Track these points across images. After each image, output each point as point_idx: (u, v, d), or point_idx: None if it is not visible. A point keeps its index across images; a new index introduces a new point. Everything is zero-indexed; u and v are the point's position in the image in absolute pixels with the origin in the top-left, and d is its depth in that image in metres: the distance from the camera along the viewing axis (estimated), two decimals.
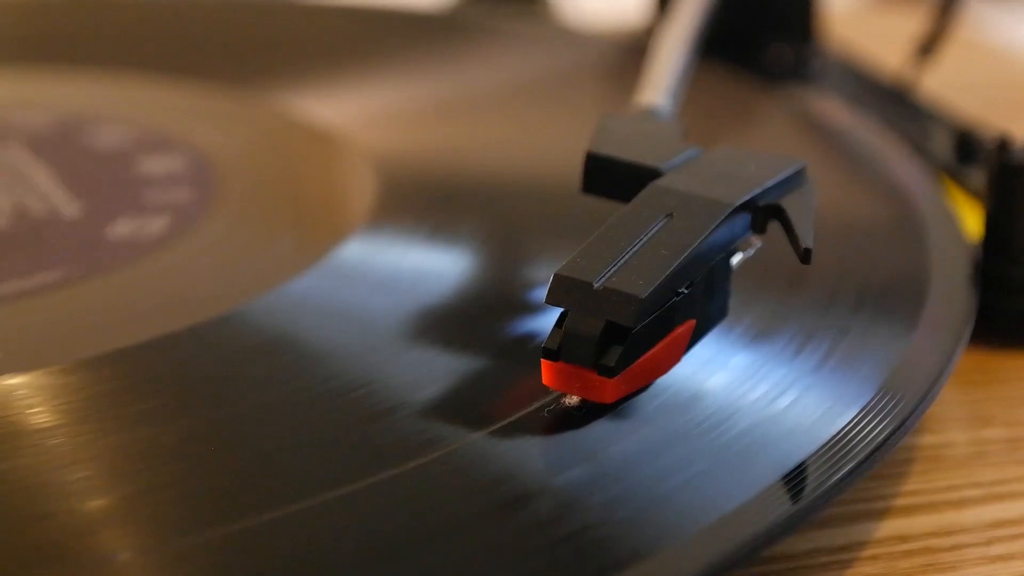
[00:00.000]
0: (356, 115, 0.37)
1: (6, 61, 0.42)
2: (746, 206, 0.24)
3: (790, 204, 0.25)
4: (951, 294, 0.28)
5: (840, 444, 0.23)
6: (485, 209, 0.32)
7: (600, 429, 0.23)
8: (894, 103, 0.38)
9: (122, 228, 0.31)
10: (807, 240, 0.24)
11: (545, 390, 0.23)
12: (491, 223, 0.31)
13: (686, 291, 0.23)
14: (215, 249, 0.30)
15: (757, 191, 0.25)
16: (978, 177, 0.33)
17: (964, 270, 0.29)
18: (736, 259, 0.25)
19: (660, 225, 0.24)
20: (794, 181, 0.25)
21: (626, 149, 0.26)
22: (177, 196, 0.32)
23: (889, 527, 0.25)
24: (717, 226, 0.24)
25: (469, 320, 0.27)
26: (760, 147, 0.27)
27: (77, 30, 0.45)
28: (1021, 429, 0.27)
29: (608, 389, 0.23)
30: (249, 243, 0.30)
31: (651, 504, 0.21)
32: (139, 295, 0.28)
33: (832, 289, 0.28)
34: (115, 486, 0.22)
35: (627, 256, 0.23)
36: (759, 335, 0.26)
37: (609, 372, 0.22)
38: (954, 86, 0.40)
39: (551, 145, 0.35)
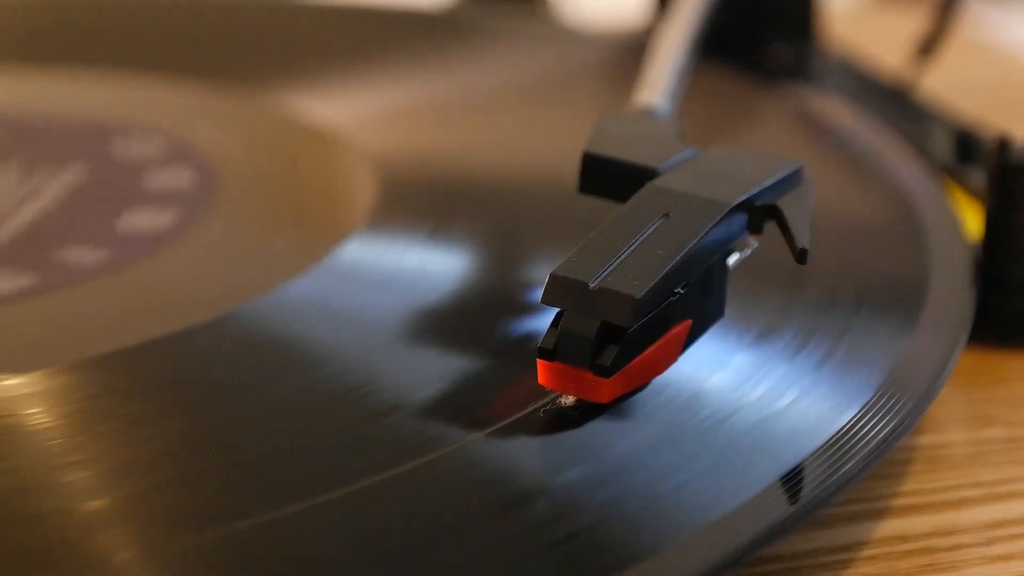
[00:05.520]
0: (356, 115, 0.37)
1: (4, 60, 0.42)
2: (743, 206, 0.24)
3: (786, 204, 0.25)
4: (951, 294, 0.28)
5: (840, 443, 0.23)
6: (485, 209, 0.32)
7: (600, 429, 0.23)
8: (894, 103, 0.38)
9: (120, 228, 0.31)
10: (803, 240, 0.24)
11: (544, 390, 0.23)
12: (490, 223, 0.31)
13: (682, 291, 0.23)
14: (214, 249, 0.30)
15: (754, 191, 0.25)
16: (978, 177, 0.33)
17: (965, 270, 0.29)
18: (733, 259, 0.25)
19: (656, 225, 0.24)
20: (791, 181, 0.25)
21: (623, 149, 0.26)
22: (176, 196, 0.32)
23: (889, 527, 0.25)
24: (714, 226, 0.24)
25: (468, 320, 0.27)
26: (760, 147, 0.27)
27: (76, 30, 0.45)
28: (1021, 429, 0.27)
29: (604, 389, 0.23)
30: (249, 243, 0.30)
31: (651, 504, 0.21)
32: (138, 295, 0.28)
33: (832, 289, 0.28)
34: (114, 486, 0.22)
35: (623, 256, 0.23)
36: (759, 335, 0.26)
37: (605, 372, 0.22)
38: (954, 86, 0.40)
39: (551, 145, 0.35)
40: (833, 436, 0.23)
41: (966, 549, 0.24)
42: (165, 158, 0.35)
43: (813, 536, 0.24)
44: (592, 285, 0.22)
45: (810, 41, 0.41)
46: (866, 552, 0.24)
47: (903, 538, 0.24)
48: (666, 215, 0.24)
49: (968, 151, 0.34)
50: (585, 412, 0.23)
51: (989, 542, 0.24)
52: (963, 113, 0.37)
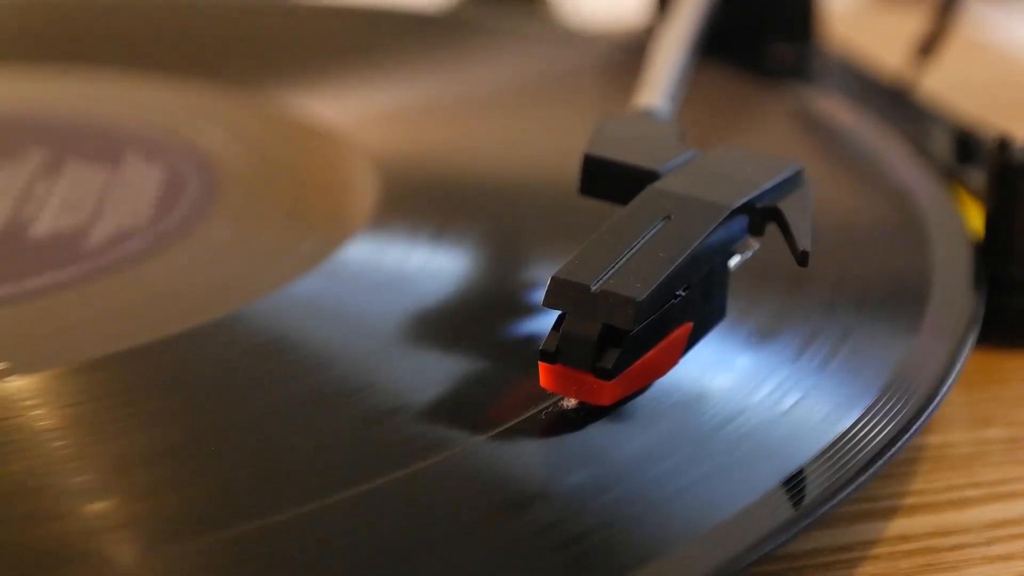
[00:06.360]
0: (357, 115, 0.37)
1: (4, 60, 0.42)
2: (744, 208, 0.24)
3: (787, 207, 0.25)
4: (956, 296, 0.28)
5: (844, 447, 0.23)
6: (487, 210, 0.32)
7: (602, 432, 0.23)
8: (894, 103, 0.38)
9: (122, 228, 0.31)
10: (804, 243, 0.24)
11: (546, 393, 0.23)
12: (493, 224, 0.31)
13: (684, 293, 0.23)
14: (216, 251, 0.30)
15: (755, 193, 0.25)
16: (978, 177, 0.33)
17: (969, 272, 0.29)
18: (734, 261, 0.25)
19: (658, 228, 0.24)
20: (792, 183, 0.25)
21: (624, 151, 0.26)
22: (178, 197, 0.32)
23: (890, 527, 0.25)
24: (715, 229, 0.24)
25: (470, 322, 0.27)
26: (760, 148, 0.27)
27: (77, 30, 0.45)
28: (1021, 429, 0.28)
29: (606, 392, 0.23)
30: (251, 244, 0.30)
31: (654, 508, 0.21)
32: (141, 297, 0.28)
33: (835, 290, 0.28)
34: (118, 488, 0.22)
35: (625, 259, 0.23)
36: (761, 337, 0.26)
37: (606, 375, 0.22)
38: (954, 86, 0.40)
39: (552, 145, 0.35)
40: (836, 440, 0.23)
41: (967, 549, 0.24)
42: (165, 158, 0.35)
43: (814, 536, 0.24)
44: (594, 288, 0.22)
45: (810, 41, 0.41)
46: (867, 552, 0.24)
47: (904, 538, 0.24)
48: (667, 218, 0.24)
49: (968, 151, 0.34)
50: (587, 415, 0.23)
51: (990, 542, 0.24)
52: (963, 113, 0.37)
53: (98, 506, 0.22)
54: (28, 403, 0.24)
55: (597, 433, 0.23)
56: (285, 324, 0.26)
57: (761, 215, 0.25)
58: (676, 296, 0.23)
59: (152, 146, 0.35)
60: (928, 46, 0.38)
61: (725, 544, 0.21)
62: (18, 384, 0.24)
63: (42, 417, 0.24)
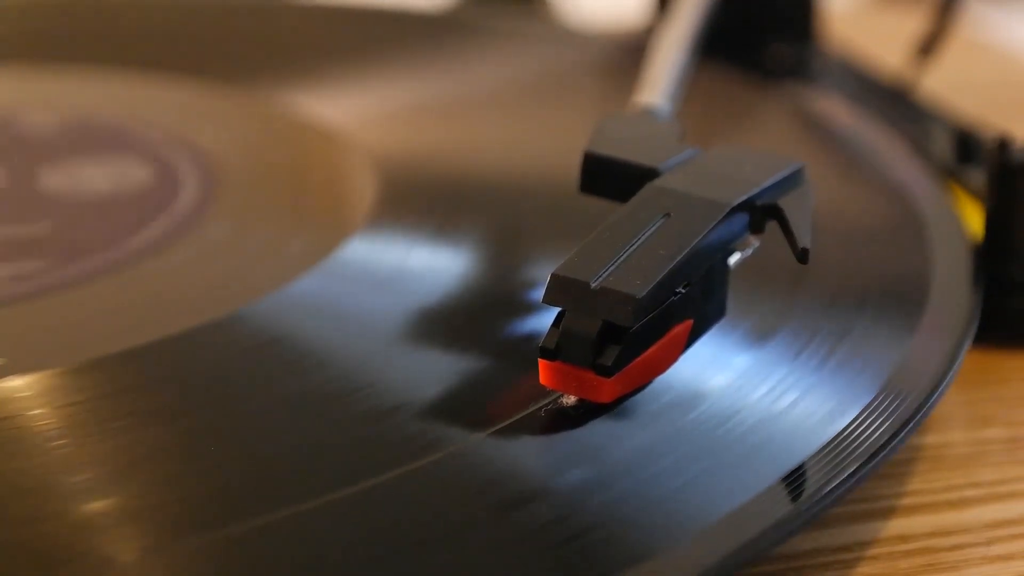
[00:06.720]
0: (357, 115, 0.37)
1: (5, 60, 0.42)
2: (744, 206, 0.25)
3: (788, 204, 0.25)
4: (954, 295, 0.28)
5: (842, 445, 0.23)
6: (486, 209, 0.32)
7: (602, 429, 0.23)
8: (894, 103, 0.38)
9: (123, 227, 0.31)
10: (804, 240, 0.24)
11: (546, 390, 0.23)
12: (492, 223, 0.31)
13: (684, 291, 0.23)
14: (216, 250, 0.30)
15: (755, 191, 0.25)
16: (978, 177, 0.33)
17: (967, 271, 0.29)
18: (734, 259, 0.25)
19: (658, 225, 0.24)
20: (792, 181, 0.25)
21: (624, 149, 0.26)
22: (177, 196, 0.32)
23: (889, 527, 0.25)
24: (715, 226, 0.24)
25: (470, 320, 0.27)
26: (761, 147, 0.27)
27: (77, 30, 0.45)
28: (1021, 429, 0.28)
29: (605, 389, 0.23)
30: (251, 244, 0.30)
31: (653, 505, 0.21)
32: (141, 297, 0.28)
33: (834, 289, 0.28)
34: (118, 487, 0.22)
35: (624, 256, 0.23)
36: (761, 335, 0.26)
37: (606, 372, 0.22)
38: (954, 86, 0.40)
39: (552, 144, 0.35)
40: (835, 437, 0.23)
41: (966, 549, 0.24)
42: (164, 158, 0.35)
43: (813, 536, 0.24)
44: (593, 285, 0.22)
45: (810, 41, 0.41)
46: (866, 552, 0.24)
47: (903, 538, 0.24)
48: (667, 215, 0.24)
49: (968, 151, 0.34)
50: (586, 412, 0.23)
51: (989, 542, 0.24)
52: (963, 113, 0.37)
53: (97, 506, 0.22)
54: (27, 403, 0.24)
55: (597, 430, 0.23)
56: (285, 324, 0.26)
57: (761, 212, 0.25)
58: (676, 293, 0.23)
59: (152, 146, 0.35)
60: (928, 46, 0.38)
61: (724, 540, 0.21)
62: (17, 383, 0.24)
63: (41, 417, 0.24)
